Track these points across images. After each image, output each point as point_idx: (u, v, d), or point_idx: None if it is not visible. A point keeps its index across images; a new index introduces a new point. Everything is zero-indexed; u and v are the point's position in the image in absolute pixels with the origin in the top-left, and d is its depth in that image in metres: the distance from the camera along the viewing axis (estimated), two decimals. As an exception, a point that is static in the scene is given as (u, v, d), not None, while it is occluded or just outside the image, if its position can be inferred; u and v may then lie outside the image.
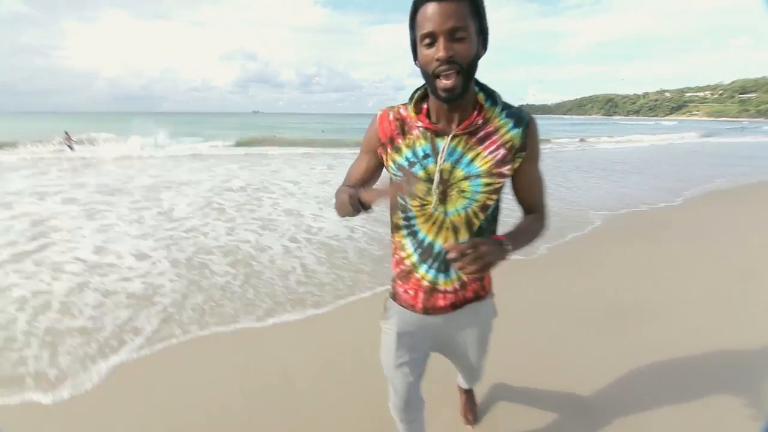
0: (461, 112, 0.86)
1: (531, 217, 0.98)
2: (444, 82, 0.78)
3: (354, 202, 0.80)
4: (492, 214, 0.96)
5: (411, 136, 0.91)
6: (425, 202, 0.92)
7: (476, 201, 0.89)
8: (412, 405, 1.16)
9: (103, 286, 2.95)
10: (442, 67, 0.77)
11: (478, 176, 0.87)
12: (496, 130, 0.87)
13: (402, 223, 1.00)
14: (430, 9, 0.75)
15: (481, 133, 0.87)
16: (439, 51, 0.76)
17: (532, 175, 0.94)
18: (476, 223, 0.93)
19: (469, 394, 1.66)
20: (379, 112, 0.96)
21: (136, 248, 3.77)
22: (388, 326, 1.11)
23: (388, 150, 0.94)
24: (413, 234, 0.98)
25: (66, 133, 14.08)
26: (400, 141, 0.92)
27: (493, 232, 0.99)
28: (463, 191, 0.89)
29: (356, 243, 3.93)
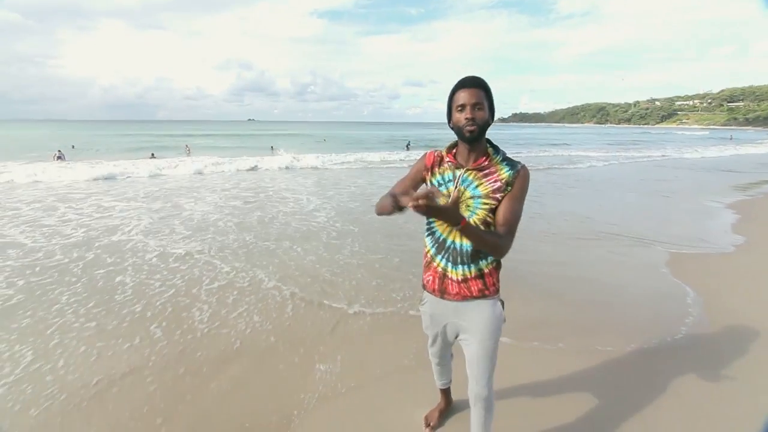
0: (476, 155, 1.37)
1: (497, 232, 1.32)
2: (468, 128, 1.30)
3: (394, 203, 1.22)
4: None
5: (443, 167, 1.43)
6: None
7: (476, 214, 1.33)
8: (443, 358, 1.76)
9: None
10: (468, 123, 1.30)
11: (479, 197, 1.33)
12: (497, 171, 1.34)
13: (425, 227, 1.49)
14: (463, 93, 1.31)
15: (486, 171, 1.35)
16: (467, 114, 1.30)
17: (511, 204, 1.31)
18: None
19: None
20: (428, 152, 1.50)
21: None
22: (423, 309, 1.60)
23: (429, 174, 1.47)
24: (432, 233, 1.46)
25: (59, 151, 16.16)
26: (436, 169, 1.45)
27: None
28: (468, 206, 1.35)
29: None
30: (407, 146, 25.24)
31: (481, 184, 1.32)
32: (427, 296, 1.54)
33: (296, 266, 3.95)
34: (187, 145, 22.08)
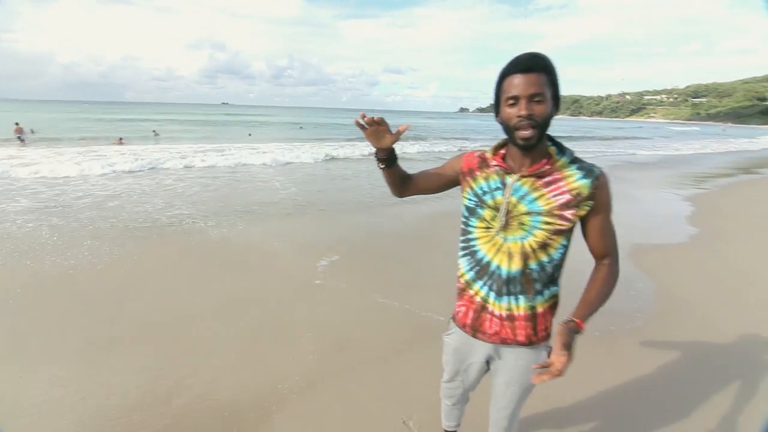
0: (532, 158, 1.01)
1: (602, 276, 1.06)
2: (522, 133, 0.95)
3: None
4: (551, 257, 1.04)
5: (487, 171, 1.09)
6: (490, 226, 1.08)
7: (533, 235, 1.01)
8: (460, 400, 1.46)
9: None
10: (523, 123, 0.94)
11: (539, 214, 1.00)
12: (564, 178, 1.00)
13: (461, 245, 1.17)
14: (517, 79, 0.94)
15: (548, 178, 1.00)
16: (521, 110, 0.94)
17: (602, 224, 1.02)
18: (532, 257, 1.04)
19: None
20: (468, 151, 1.18)
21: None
22: (448, 341, 1.30)
23: (467, 179, 1.13)
24: (471, 254, 1.13)
25: (17, 124, 14.46)
26: (478, 173, 1.11)
27: (552, 276, 1.08)
28: (522, 224, 1.02)
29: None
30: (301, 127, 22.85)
31: (542, 195, 1.00)
32: (455, 328, 1.25)
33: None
34: (154, 131, 21.19)
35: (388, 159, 1.11)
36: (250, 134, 23.76)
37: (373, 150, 1.11)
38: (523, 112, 0.93)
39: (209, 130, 27.90)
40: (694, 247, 4.64)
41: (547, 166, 1.00)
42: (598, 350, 2.54)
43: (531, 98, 0.92)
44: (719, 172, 11.63)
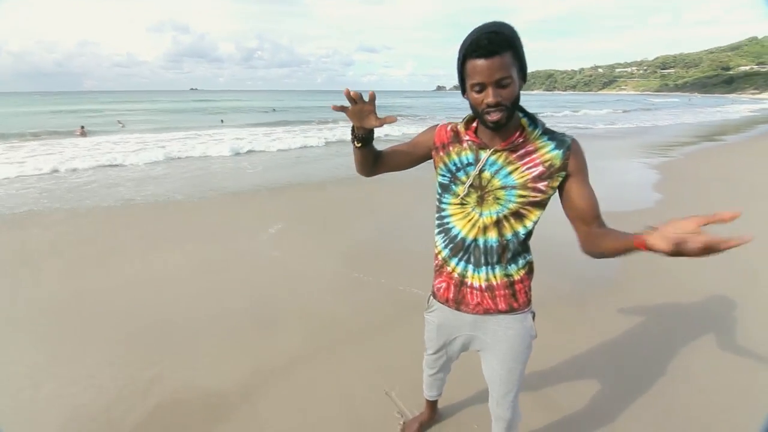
0: (505, 132, 0.99)
1: (607, 229, 0.96)
2: (492, 117, 0.92)
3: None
4: (527, 228, 1.05)
5: (460, 146, 1.07)
6: (464, 202, 1.07)
7: (508, 209, 1.02)
8: (442, 370, 1.49)
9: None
10: (491, 109, 0.91)
11: (514, 188, 1.00)
12: (537, 150, 0.99)
13: (437, 221, 1.17)
14: (480, 64, 0.88)
15: (521, 151, 1.00)
16: (488, 97, 0.90)
17: (583, 189, 1.00)
18: (507, 228, 1.05)
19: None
20: (441, 123, 1.14)
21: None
22: (431, 318, 1.30)
23: (441, 154, 1.10)
24: (446, 231, 1.13)
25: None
26: (451, 148, 1.08)
27: (525, 244, 1.09)
28: (498, 198, 1.02)
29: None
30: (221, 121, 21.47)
31: (516, 169, 0.99)
32: (437, 304, 1.25)
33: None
34: (119, 121, 20.20)
35: (366, 138, 1.04)
36: (222, 120, 22.95)
37: (350, 126, 1.04)
38: (491, 100, 0.89)
39: (179, 118, 26.71)
40: (658, 212, 4.86)
41: (520, 139, 0.99)
42: (569, 312, 2.68)
43: (497, 83, 0.88)
44: (685, 140, 12.09)
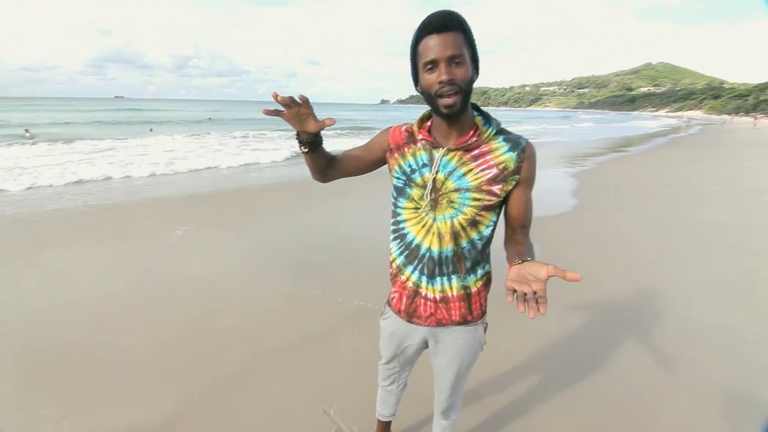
0: (459, 130, 0.96)
1: (524, 240, 0.99)
2: (445, 101, 0.88)
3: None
4: (482, 234, 1.01)
5: (414, 147, 1.03)
6: (419, 206, 1.02)
7: (463, 213, 0.97)
8: (396, 382, 1.42)
9: None
10: (445, 89, 0.87)
11: (468, 190, 0.96)
12: (491, 151, 0.96)
13: (391, 227, 1.12)
14: (432, 41, 0.87)
15: (476, 151, 0.96)
16: (441, 75, 0.87)
17: (525, 197, 0.99)
18: (462, 235, 1.00)
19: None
20: (394, 125, 1.10)
21: None
22: (384, 325, 1.26)
23: (395, 155, 1.06)
24: (401, 237, 1.08)
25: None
26: (406, 149, 1.04)
27: (483, 252, 1.06)
28: (452, 202, 0.98)
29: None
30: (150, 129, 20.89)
31: (470, 171, 0.96)
32: (391, 312, 1.21)
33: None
34: (27, 130, 17.78)
35: (312, 142, 0.98)
36: (151, 129, 21.36)
37: (294, 132, 0.97)
38: (444, 77, 0.86)
39: (99, 127, 24.22)
40: (574, 216, 5.40)
41: (474, 138, 0.95)
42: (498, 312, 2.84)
43: (450, 60, 0.86)
44: (598, 151, 13.61)
